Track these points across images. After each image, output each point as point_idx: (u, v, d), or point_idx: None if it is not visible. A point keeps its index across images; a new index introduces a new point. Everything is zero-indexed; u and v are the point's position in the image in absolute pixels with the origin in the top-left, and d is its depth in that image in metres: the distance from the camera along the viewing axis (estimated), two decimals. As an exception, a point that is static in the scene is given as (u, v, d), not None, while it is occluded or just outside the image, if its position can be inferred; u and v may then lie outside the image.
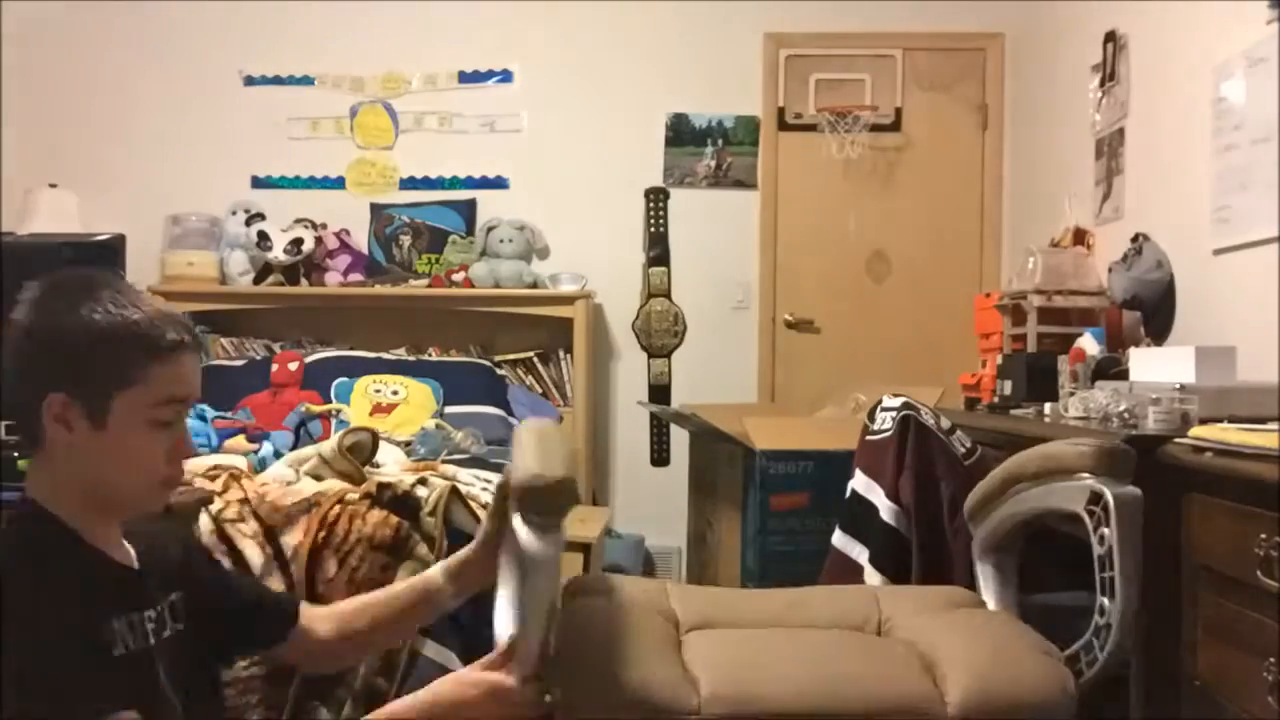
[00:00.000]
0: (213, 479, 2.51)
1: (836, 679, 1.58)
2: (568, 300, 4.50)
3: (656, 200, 4.65)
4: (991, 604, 2.02)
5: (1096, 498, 1.72)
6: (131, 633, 1.35)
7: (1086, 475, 1.76)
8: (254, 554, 2.37)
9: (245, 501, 2.44)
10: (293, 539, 2.45)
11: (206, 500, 2.43)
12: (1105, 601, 1.70)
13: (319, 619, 1.66)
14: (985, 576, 2.06)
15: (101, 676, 1.29)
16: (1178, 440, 1.92)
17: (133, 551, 1.43)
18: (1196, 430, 1.88)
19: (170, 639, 1.42)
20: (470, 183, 4.79)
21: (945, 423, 2.56)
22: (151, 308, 1.37)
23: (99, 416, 1.33)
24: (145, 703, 1.32)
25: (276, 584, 2.40)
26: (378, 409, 3.99)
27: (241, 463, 2.80)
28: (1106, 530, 1.69)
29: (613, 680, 1.56)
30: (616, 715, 1.55)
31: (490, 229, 4.52)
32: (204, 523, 2.38)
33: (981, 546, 2.08)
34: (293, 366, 4.22)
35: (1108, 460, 1.75)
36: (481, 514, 2.85)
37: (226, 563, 2.31)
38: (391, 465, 2.96)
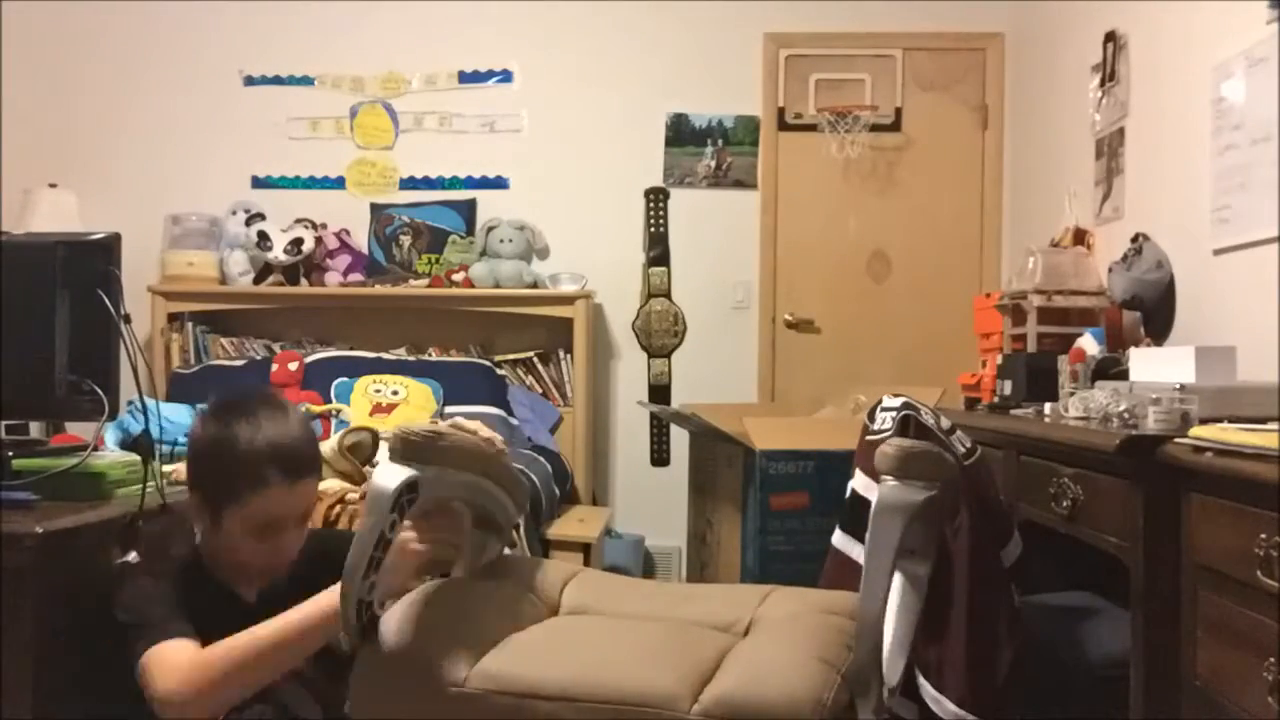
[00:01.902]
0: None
1: (590, 669, 1.60)
2: (568, 300, 4.50)
3: (656, 200, 4.65)
4: (892, 609, 1.96)
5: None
6: None
7: (889, 476, 1.74)
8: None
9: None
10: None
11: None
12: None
13: None
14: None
15: None
16: (1178, 440, 1.91)
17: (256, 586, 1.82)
18: (1196, 430, 1.87)
19: None
20: (470, 183, 4.79)
21: (945, 423, 2.55)
22: (279, 436, 1.73)
23: (215, 520, 1.75)
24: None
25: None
26: (378, 409, 3.99)
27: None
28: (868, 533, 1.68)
29: (398, 650, 1.63)
30: (394, 680, 1.62)
31: (490, 229, 4.53)
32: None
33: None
34: (293, 366, 4.22)
35: (898, 461, 1.73)
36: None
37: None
38: (391, 465, 2.95)
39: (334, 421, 3.89)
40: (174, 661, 1.62)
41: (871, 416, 2.66)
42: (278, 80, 4.81)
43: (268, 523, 1.74)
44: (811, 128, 4.72)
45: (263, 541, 1.75)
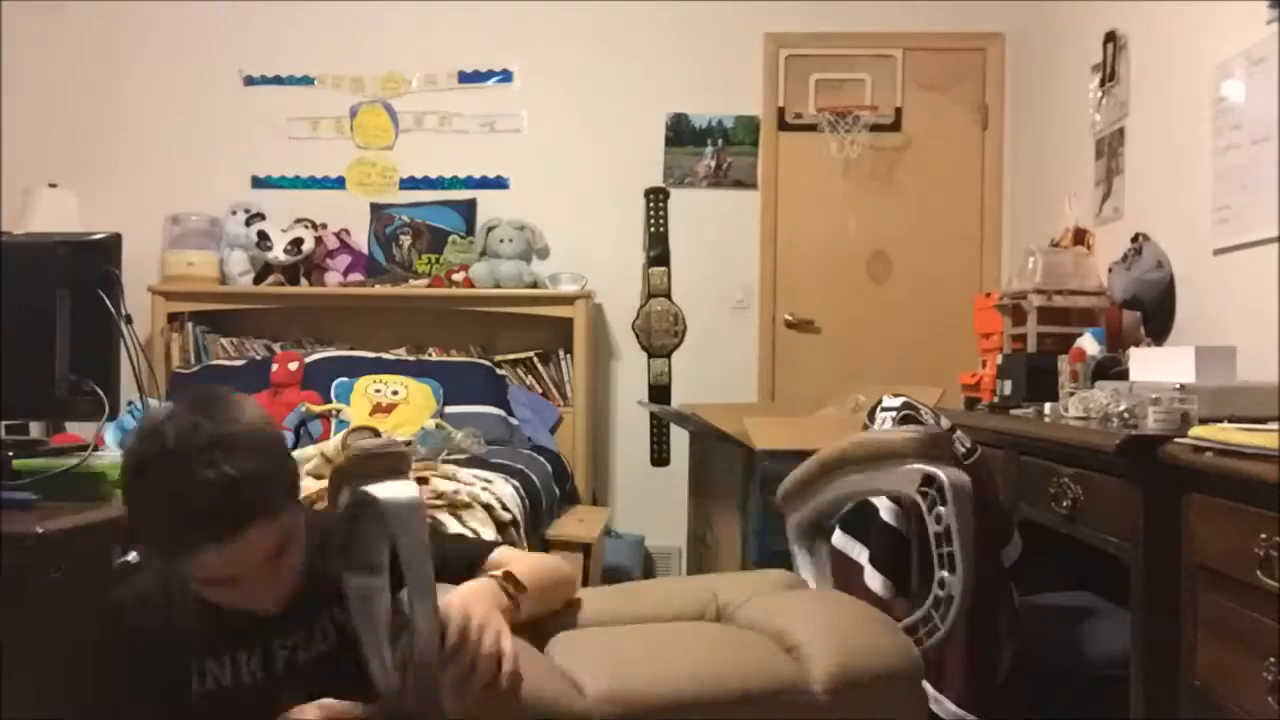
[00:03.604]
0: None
1: (711, 668, 1.59)
2: (568, 300, 4.50)
3: (656, 200, 4.65)
4: (812, 586, 2.07)
5: (929, 480, 1.82)
6: (225, 670, 1.51)
7: (914, 460, 1.85)
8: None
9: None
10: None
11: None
12: (945, 575, 1.80)
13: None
14: (802, 561, 2.13)
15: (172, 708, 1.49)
16: (1178, 440, 1.92)
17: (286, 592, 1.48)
18: (1196, 430, 1.87)
19: (312, 660, 1.54)
20: (470, 183, 4.79)
21: (945, 422, 2.56)
22: (200, 485, 1.31)
23: None
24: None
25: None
26: (378, 409, 3.99)
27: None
28: (943, 509, 1.80)
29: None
30: None
31: (490, 229, 4.53)
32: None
33: (796, 532, 2.13)
34: (293, 366, 4.22)
35: (935, 446, 1.87)
36: (482, 515, 2.85)
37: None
38: (391, 465, 2.96)
39: (334, 421, 3.89)
40: None
41: (871, 416, 2.66)
42: (278, 80, 4.81)
43: (209, 581, 1.41)
44: (811, 128, 4.72)
45: (222, 593, 1.44)
